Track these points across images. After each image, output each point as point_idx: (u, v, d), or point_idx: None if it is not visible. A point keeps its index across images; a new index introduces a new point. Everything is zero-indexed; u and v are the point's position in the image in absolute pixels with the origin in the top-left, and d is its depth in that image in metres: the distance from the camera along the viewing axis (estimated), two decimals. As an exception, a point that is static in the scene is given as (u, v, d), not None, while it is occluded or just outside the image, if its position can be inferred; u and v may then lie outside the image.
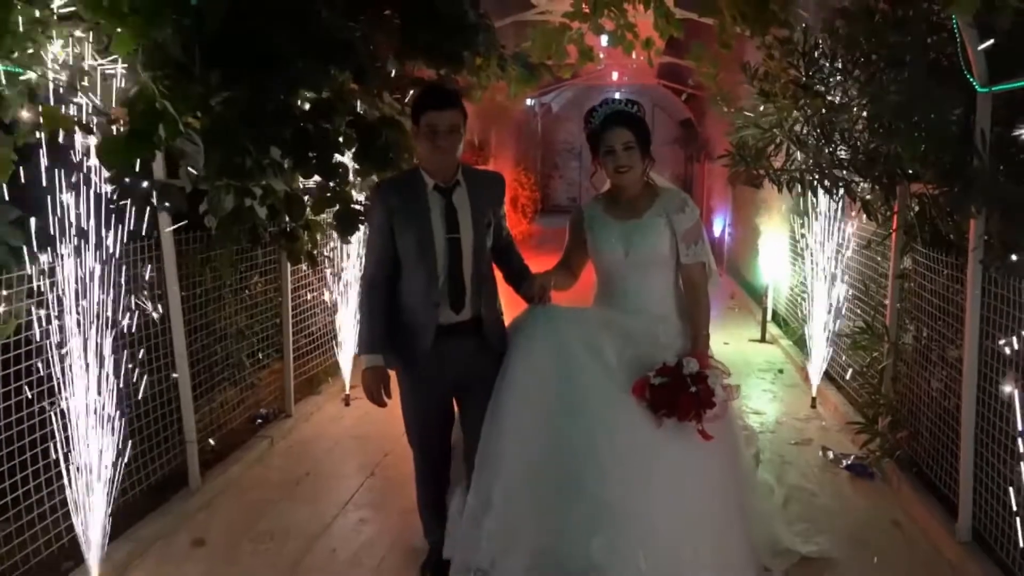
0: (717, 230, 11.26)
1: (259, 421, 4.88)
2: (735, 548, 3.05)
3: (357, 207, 3.94)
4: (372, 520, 3.83)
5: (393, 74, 4.12)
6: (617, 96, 5.80)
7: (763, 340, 7.20)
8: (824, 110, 3.98)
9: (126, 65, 2.87)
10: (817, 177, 4.13)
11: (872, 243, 4.61)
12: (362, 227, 4.17)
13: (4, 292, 2.88)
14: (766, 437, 4.81)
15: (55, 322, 3.01)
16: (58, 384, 3.02)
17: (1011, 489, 3.03)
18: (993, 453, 3.23)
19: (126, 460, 3.29)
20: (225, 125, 3.05)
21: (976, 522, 3.39)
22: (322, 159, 3.61)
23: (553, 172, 20.82)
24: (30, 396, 3.06)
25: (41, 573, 3.13)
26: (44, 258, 2.96)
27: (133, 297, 3.44)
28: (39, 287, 3.00)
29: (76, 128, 2.89)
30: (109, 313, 3.15)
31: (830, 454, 4.50)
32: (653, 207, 3.07)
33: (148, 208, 3.20)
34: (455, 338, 2.98)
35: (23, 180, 2.68)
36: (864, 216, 4.47)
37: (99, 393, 3.10)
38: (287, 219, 3.90)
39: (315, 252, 4.43)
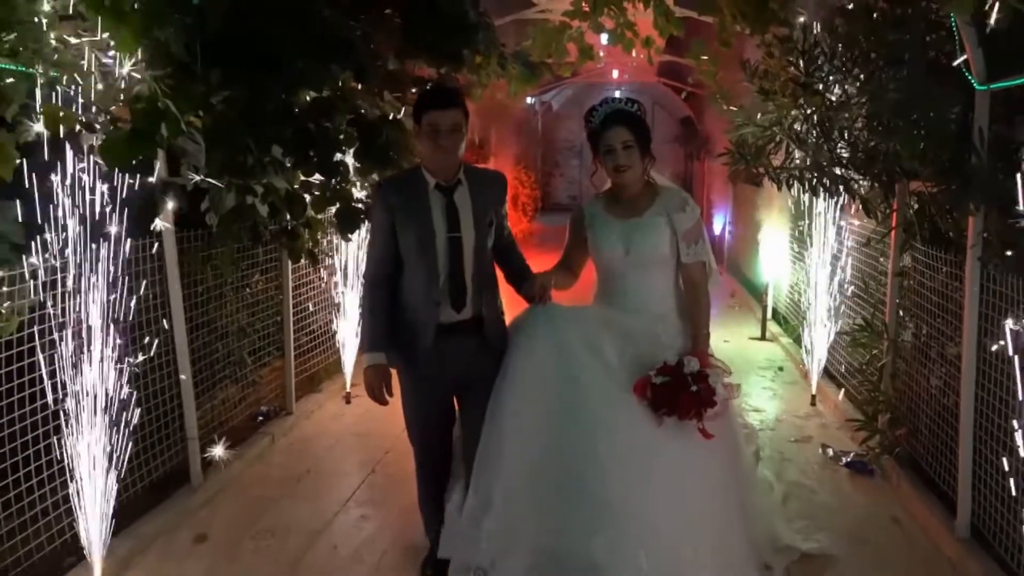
0: (718, 228, 11.27)
1: (260, 418, 4.89)
2: (736, 547, 3.05)
3: (358, 205, 3.95)
4: (373, 517, 3.84)
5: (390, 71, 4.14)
6: (617, 94, 5.82)
7: (763, 338, 7.22)
8: (823, 108, 3.99)
9: (128, 64, 2.87)
10: (816, 175, 4.13)
11: (871, 241, 4.62)
12: (364, 225, 4.19)
13: (5, 289, 2.89)
14: (766, 434, 4.83)
15: (57, 319, 3.02)
16: (60, 380, 3.03)
17: (1011, 482, 3.04)
18: (992, 450, 3.24)
19: (128, 457, 3.30)
20: (227, 124, 3.06)
21: (975, 518, 3.40)
22: (323, 157, 3.62)
23: (554, 170, 20.82)
24: (32, 392, 3.07)
25: (43, 569, 3.14)
26: (47, 255, 2.96)
27: (136, 295, 3.45)
28: (43, 283, 3.01)
29: (79, 126, 2.90)
30: (111, 311, 3.16)
31: (830, 451, 4.51)
32: (654, 206, 3.07)
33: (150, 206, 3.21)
34: (456, 337, 2.98)
35: (26, 177, 2.69)
36: (864, 214, 4.48)
37: (101, 390, 3.11)
38: (288, 217, 3.91)
39: (315, 250, 4.45)
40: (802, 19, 4.02)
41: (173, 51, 2.80)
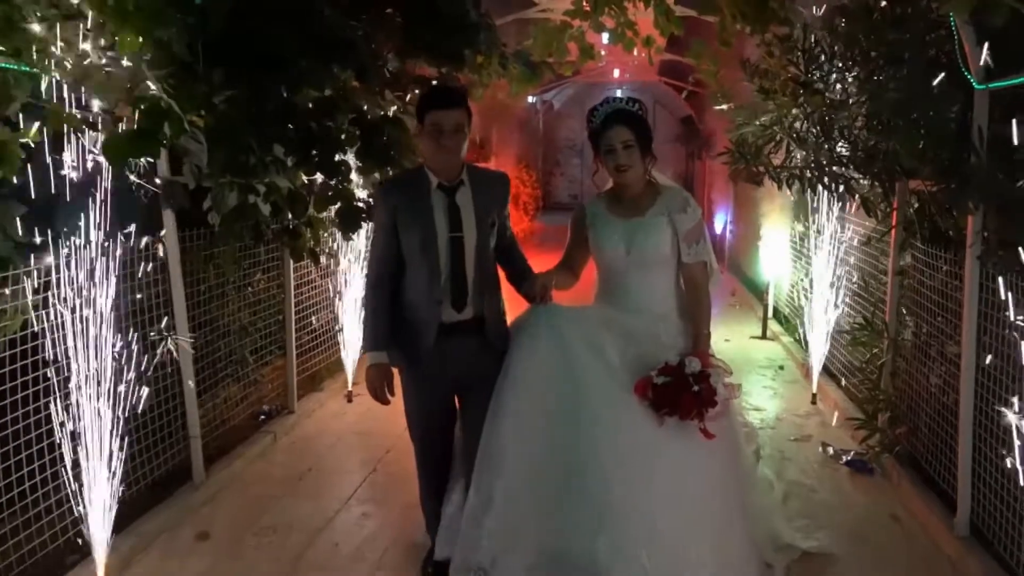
0: (719, 227, 11.27)
1: (262, 417, 4.90)
2: (737, 546, 3.05)
3: (360, 204, 3.96)
4: (374, 515, 3.85)
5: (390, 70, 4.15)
6: (619, 93, 5.83)
7: (764, 337, 7.23)
8: (823, 107, 3.99)
9: (131, 63, 2.88)
10: (816, 174, 4.14)
11: (871, 240, 4.63)
12: (366, 224, 4.20)
13: (9, 289, 2.90)
14: (766, 433, 4.84)
15: (60, 317, 3.03)
16: (64, 379, 3.05)
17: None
18: (991, 448, 3.25)
19: (131, 455, 3.31)
20: (229, 123, 3.07)
21: (974, 517, 3.41)
22: (325, 157, 3.63)
23: (555, 169, 20.83)
24: (36, 390, 3.09)
25: (46, 566, 3.15)
26: (49, 254, 2.98)
27: (139, 295, 3.47)
28: (46, 282, 3.02)
29: (82, 126, 2.92)
30: (113, 309, 3.17)
31: (830, 450, 4.52)
32: (655, 206, 3.07)
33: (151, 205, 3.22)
34: (457, 336, 2.99)
35: (30, 176, 2.71)
36: (864, 213, 4.49)
37: (104, 388, 3.13)
38: (290, 216, 3.92)
39: (317, 249, 4.46)
40: (804, 22, 4.03)
41: (175, 51, 2.81)
